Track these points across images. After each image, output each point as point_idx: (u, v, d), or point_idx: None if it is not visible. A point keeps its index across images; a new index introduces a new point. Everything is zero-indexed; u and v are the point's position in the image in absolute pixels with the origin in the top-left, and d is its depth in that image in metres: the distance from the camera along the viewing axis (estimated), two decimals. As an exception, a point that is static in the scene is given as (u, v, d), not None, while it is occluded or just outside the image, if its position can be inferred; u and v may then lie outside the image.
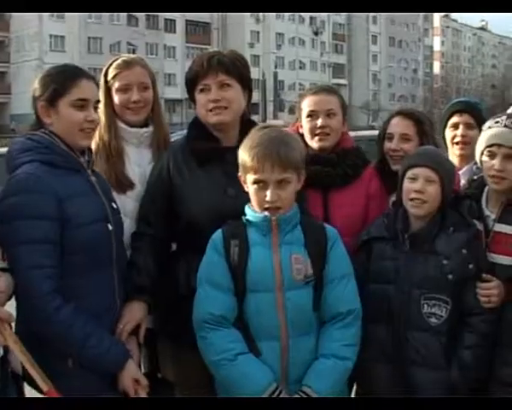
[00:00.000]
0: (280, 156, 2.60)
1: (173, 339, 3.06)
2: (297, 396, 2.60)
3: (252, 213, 2.71)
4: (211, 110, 2.99)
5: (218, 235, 2.73)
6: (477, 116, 3.60)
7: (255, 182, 2.64)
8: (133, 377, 2.68)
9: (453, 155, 3.68)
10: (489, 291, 2.88)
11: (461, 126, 3.65)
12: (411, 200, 2.92)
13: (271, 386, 2.57)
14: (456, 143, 3.65)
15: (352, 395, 3.17)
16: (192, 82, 3.06)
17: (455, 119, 3.69)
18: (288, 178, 2.63)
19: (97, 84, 2.83)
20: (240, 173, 2.74)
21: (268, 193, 2.62)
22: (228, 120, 3.03)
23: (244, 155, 2.67)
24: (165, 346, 3.15)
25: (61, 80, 2.65)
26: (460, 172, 3.52)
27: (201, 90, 3.02)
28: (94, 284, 2.64)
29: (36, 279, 2.47)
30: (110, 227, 2.72)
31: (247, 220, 2.72)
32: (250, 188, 2.68)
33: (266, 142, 2.64)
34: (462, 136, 3.62)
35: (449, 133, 3.72)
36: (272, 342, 2.64)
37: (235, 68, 3.03)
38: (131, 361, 2.71)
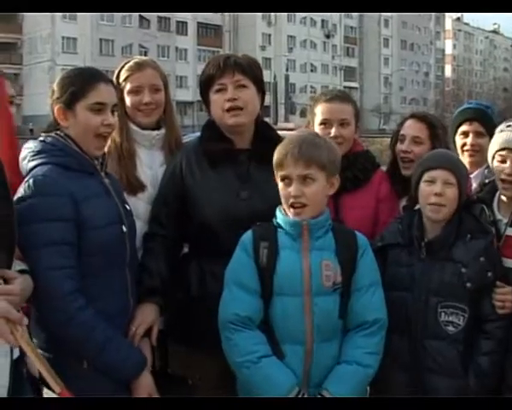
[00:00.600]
0: (302, 152, 2.62)
1: (183, 342, 3.06)
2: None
3: (282, 216, 2.71)
4: (228, 111, 2.98)
5: (247, 236, 2.72)
6: (487, 124, 3.56)
7: (282, 178, 2.67)
8: (148, 392, 2.67)
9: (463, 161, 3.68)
10: (503, 296, 2.86)
11: (471, 135, 3.63)
12: (430, 204, 2.89)
13: (294, 390, 2.56)
14: (466, 151, 3.63)
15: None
16: (207, 83, 3.04)
17: (464, 127, 3.66)
18: (311, 174, 2.63)
19: (116, 88, 2.82)
20: (276, 175, 2.75)
21: (292, 187, 2.63)
22: (244, 122, 3.02)
23: (275, 155, 2.70)
24: (175, 349, 3.14)
25: (80, 83, 2.65)
26: (472, 176, 3.51)
27: (218, 91, 3.01)
28: (108, 285, 2.64)
29: (57, 280, 2.47)
30: (124, 229, 2.72)
31: (278, 224, 2.72)
32: (279, 186, 2.70)
33: (294, 140, 2.68)
34: (472, 145, 3.59)
35: (458, 141, 3.70)
36: (297, 345, 2.63)
37: (251, 70, 3.04)
38: (147, 373, 2.70)
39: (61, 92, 2.66)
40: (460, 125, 3.70)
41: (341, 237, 2.72)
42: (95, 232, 2.58)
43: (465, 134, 3.66)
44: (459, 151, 3.69)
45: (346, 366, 2.64)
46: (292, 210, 2.66)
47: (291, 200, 2.64)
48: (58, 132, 2.68)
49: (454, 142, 3.75)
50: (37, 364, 2.35)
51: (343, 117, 3.34)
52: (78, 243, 2.55)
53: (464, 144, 3.65)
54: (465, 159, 3.63)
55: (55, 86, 2.70)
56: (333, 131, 3.30)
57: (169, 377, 3.10)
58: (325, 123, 3.34)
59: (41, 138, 2.70)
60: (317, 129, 3.35)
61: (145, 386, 2.67)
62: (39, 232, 2.48)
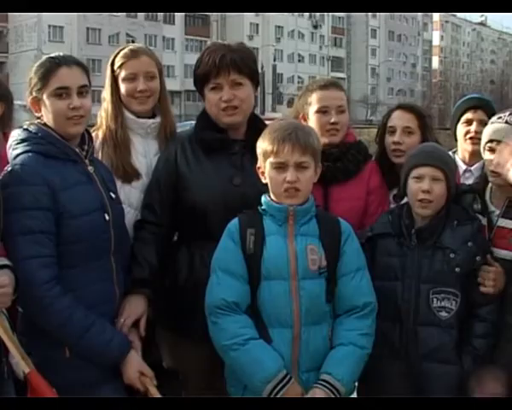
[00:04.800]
0: (299, 139, 2.66)
1: (171, 330, 3.07)
2: (317, 385, 2.61)
3: (268, 202, 2.74)
4: (223, 110, 2.99)
5: (234, 223, 2.75)
6: (490, 113, 3.53)
7: (275, 166, 2.68)
8: (138, 369, 2.68)
9: (464, 150, 3.70)
10: (486, 274, 2.90)
11: (475, 123, 3.64)
12: (419, 200, 2.91)
13: (281, 372, 2.58)
14: (470, 139, 3.64)
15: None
16: (203, 79, 3.04)
17: (469, 115, 3.68)
18: (306, 162, 2.67)
19: (85, 70, 2.78)
20: (259, 165, 2.76)
21: (288, 173, 2.65)
22: (240, 120, 3.05)
23: (264, 143, 2.72)
24: (162, 336, 3.15)
25: (42, 72, 2.67)
26: (472, 168, 3.57)
27: (213, 89, 3.01)
28: (90, 274, 2.65)
29: (34, 268, 2.49)
30: (107, 217, 2.72)
31: (263, 210, 2.74)
32: (269, 173, 2.71)
33: (285, 127, 2.71)
34: (476, 132, 3.58)
35: (462, 129, 3.72)
36: (284, 329, 2.65)
37: (246, 66, 3.03)
38: (134, 352, 2.71)
39: (30, 85, 2.70)
40: (463, 113, 3.72)
41: (325, 223, 2.77)
42: (74, 221, 2.59)
43: (469, 122, 3.68)
44: (461, 140, 3.72)
45: (343, 347, 2.67)
46: (285, 194, 2.68)
47: (286, 185, 2.66)
48: (39, 121, 2.70)
49: (455, 132, 3.77)
50: (7, 342, 2.38)
51: (340, 104, 3.35)
52: (57, 232, 2.56)
53: (467, 132, 3.66)
54: (467, 148, 3.66)
55: (28, 79, 2.72)
56: (333, 119, 3.30)
57: (164, 371, 3.09)
58: (324, 111, 3.32)
59: (25, 127, 2.71)
60: (314, 117, 3.34)
61: (134, 365, 2.68)
62: (15, 221, 2.50)
